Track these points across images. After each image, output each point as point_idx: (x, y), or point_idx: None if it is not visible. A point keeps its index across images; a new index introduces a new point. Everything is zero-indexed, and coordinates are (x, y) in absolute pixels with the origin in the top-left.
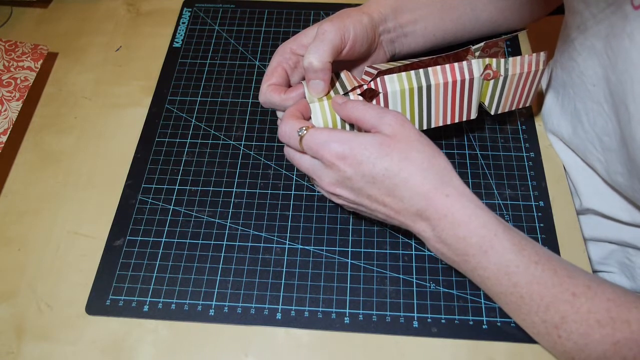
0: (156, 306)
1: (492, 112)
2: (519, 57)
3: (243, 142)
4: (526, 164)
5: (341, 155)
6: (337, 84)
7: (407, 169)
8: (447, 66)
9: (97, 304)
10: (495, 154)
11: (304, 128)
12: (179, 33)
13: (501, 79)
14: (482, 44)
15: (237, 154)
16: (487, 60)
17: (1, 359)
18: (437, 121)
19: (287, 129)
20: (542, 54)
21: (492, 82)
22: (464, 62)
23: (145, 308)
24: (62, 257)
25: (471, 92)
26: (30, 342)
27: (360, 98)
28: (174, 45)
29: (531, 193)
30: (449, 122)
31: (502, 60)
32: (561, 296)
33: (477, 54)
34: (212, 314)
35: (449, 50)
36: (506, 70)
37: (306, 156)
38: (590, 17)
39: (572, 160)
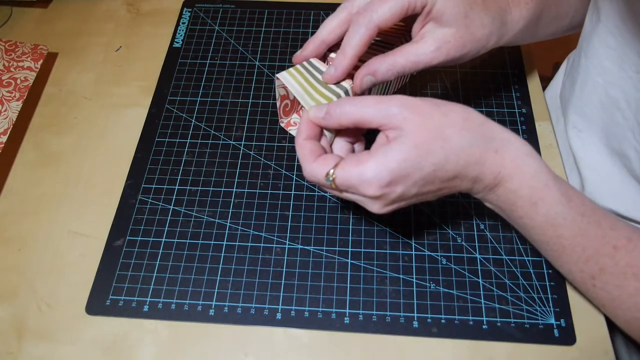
0: (156, 306)
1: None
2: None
3: (243, 142)
4: None
5: (386, 184)
6: (310, 74)
7: (451, 152)
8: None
9: (97, 304)
10: None
11: (332, 172)
12: (179, 33)
13: None
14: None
15: (237, 154)
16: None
17: (1, 359)
18: None
19: (313, 176)
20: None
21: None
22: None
23: (145, 308)
24: (62, 257)
25: None
26: (30, 342)
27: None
28: (174, 46)
29: None
30: None
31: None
32: (602, 249)
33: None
34: (212, 314)
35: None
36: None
37: (346, 192)
38: None
39: (589, 157)
